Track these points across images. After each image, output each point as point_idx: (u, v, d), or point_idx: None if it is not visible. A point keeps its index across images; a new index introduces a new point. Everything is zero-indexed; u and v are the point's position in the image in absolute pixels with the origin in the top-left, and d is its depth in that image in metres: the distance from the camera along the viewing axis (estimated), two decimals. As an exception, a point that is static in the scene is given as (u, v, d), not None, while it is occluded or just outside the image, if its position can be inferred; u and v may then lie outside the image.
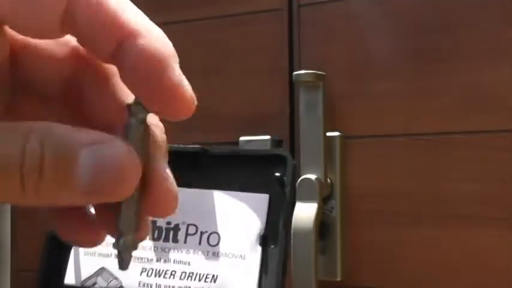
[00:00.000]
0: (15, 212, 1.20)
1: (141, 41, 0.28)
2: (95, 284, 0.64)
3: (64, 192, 0.26)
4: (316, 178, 0.93)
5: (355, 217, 0.95)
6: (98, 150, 0.26)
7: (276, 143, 0.93)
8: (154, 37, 0.28)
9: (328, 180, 0.95)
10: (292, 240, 0.91)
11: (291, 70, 0.98)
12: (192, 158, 0.59)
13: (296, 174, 0.54)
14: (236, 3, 1.04)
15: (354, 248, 0.94)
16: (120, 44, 0.28)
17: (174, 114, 0.28)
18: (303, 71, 0.95)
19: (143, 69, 0.27)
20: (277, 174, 0.54)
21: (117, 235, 0.28)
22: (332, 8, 0.97)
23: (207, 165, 0.59)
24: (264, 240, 0.56)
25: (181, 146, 0.58)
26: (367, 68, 0.95)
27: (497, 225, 0.86)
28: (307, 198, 0.92)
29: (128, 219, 0.28)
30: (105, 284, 0.63)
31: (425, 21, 0.92)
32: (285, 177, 0.54)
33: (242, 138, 0.97)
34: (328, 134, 0.95)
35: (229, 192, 0.57)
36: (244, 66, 1.03)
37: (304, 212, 0.91)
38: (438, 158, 0.90)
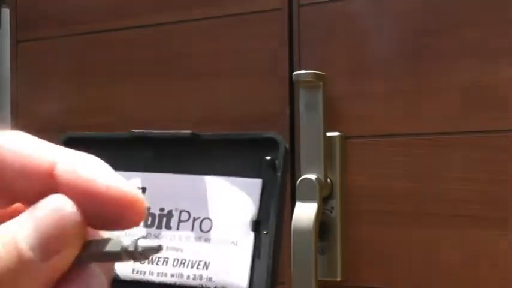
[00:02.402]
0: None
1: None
2: None
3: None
4: (316, 178, 0.93)
5: (355, 217, 0.94)
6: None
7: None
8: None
9: (328, 180, 0.95)
10: (292, 240, 0.91)
11: (291, 70, 0.98)
12: (183, 144, 0.58)
13: (288, 157, 0.52)
14: (236, 3, 1.04)
15: (354, 248, 0.94)
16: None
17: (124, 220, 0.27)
18: (303, 71, 0.95)
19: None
20: (268, 158, 0.53)
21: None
22: (332, 8, 0.97)
23: (198, 150, 0.58)
24: (257, 225, 0.55)
25: (171, 131, 0.57)
26: (367, 68, 0.95)
27: (497, 225, 0.86)
28: (307, 198, 0.92)
29: None
30: None
31: (425, 21, 0.92)
32: (276, 161, 0.53)
33: (242, 138, 0.97)
34: (328, 134, 0.95)
35: (222, 177, 0.56)
36: (244, 66, 1.03)
37: (304, 212, 0.91)
38: (438, 158, 0.90)
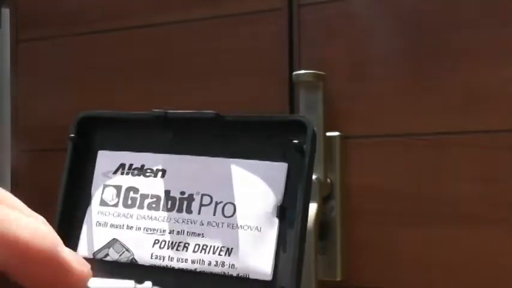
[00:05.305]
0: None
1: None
2: (106, 255, 0.62)
3: None
4: (316, 178, 0.93)
5: (355, 217, 0.94)
6: None
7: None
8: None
9: (328, 180, 0.95)
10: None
11: (291, 70, 0.98)
12: (205, 125, 0.57)
13: (316, 141, 0.51)
14: (236, 3, 1.04)
15: (354, 248, 0.94)
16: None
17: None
18: (303, 71, 0.95)
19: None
20: (295, 141, 0.51)
21: None
22: (332, 8, 0.97)
23: (221, 132, 0.56)
24: (282, 211, 0.54)
25: (194, 111, 0.55)
26: (367, 68, 0.95)
27: (498, 225, 0.86)
28: (307, 198, 0.92)
29: None
30: (116, 256, 0.61)
31: (426, 21, 0.92)
32: (304, 145, 0.51)
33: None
34: (328, 134, 0.95)
35: (246, 161, 0.55)
36: (244, 66, 1.03)
37: (304, 212, 0.91)
38: (438, 158, 0.90)
